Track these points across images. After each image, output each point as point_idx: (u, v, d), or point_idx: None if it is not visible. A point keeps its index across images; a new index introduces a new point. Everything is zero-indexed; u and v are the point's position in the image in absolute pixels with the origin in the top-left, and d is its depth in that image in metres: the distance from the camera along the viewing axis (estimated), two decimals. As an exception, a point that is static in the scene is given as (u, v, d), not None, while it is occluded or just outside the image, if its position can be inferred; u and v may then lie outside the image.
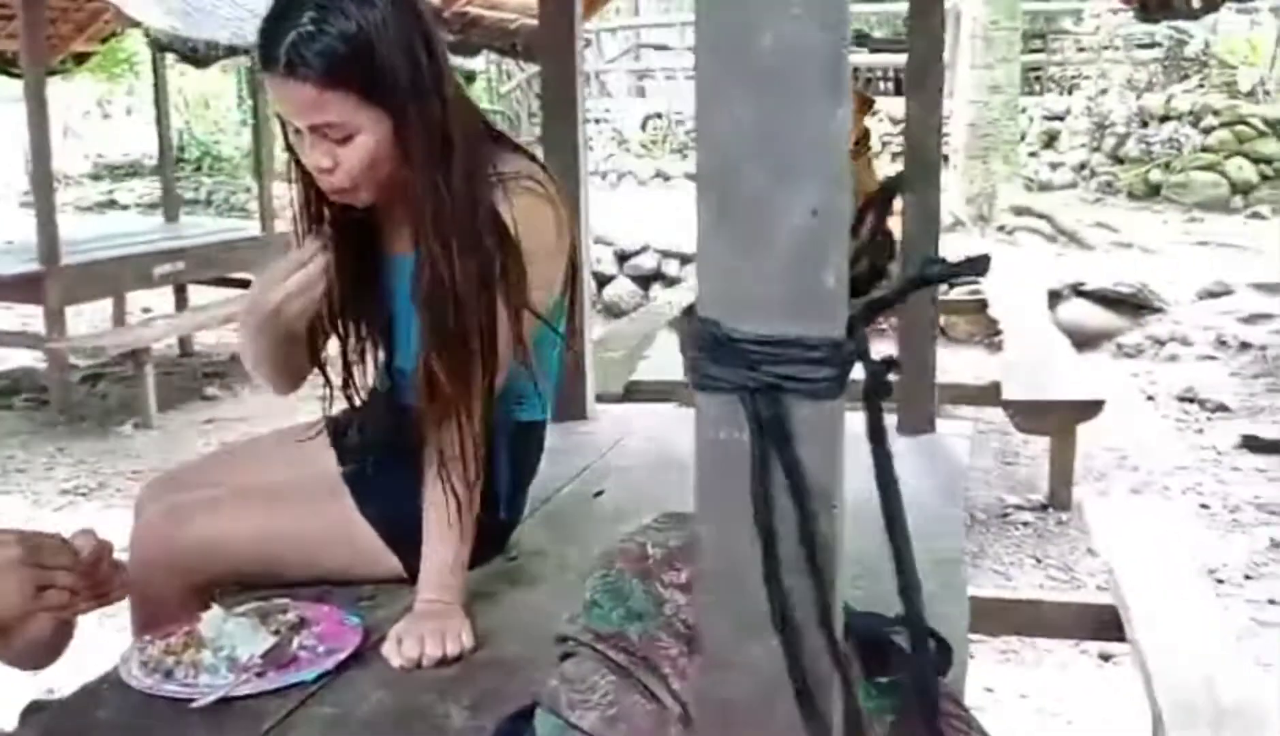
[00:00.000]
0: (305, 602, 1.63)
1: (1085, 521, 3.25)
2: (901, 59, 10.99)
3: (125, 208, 13.09)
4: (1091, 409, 4.24)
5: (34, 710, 1.80)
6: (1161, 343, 6.68)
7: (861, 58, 13.22)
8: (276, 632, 1.52)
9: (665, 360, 5.95)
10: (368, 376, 1.90)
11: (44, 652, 1.52)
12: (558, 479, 2.23)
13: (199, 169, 13.33)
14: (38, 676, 1.55)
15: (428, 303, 1.62)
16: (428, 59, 1.58)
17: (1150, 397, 6.13)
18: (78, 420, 6.10)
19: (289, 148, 1.69)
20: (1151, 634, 2.28)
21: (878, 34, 14.98)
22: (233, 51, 5.68)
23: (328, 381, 1.84)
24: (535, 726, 1.12)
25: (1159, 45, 10.67)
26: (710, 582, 0.77)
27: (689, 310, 0.75)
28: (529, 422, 1.88)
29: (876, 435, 0.75)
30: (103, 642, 1.77)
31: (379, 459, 1.82)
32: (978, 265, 0.78)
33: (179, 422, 6.18)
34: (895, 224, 4.55)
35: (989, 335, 7.00)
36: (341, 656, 1.49)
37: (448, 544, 1.64)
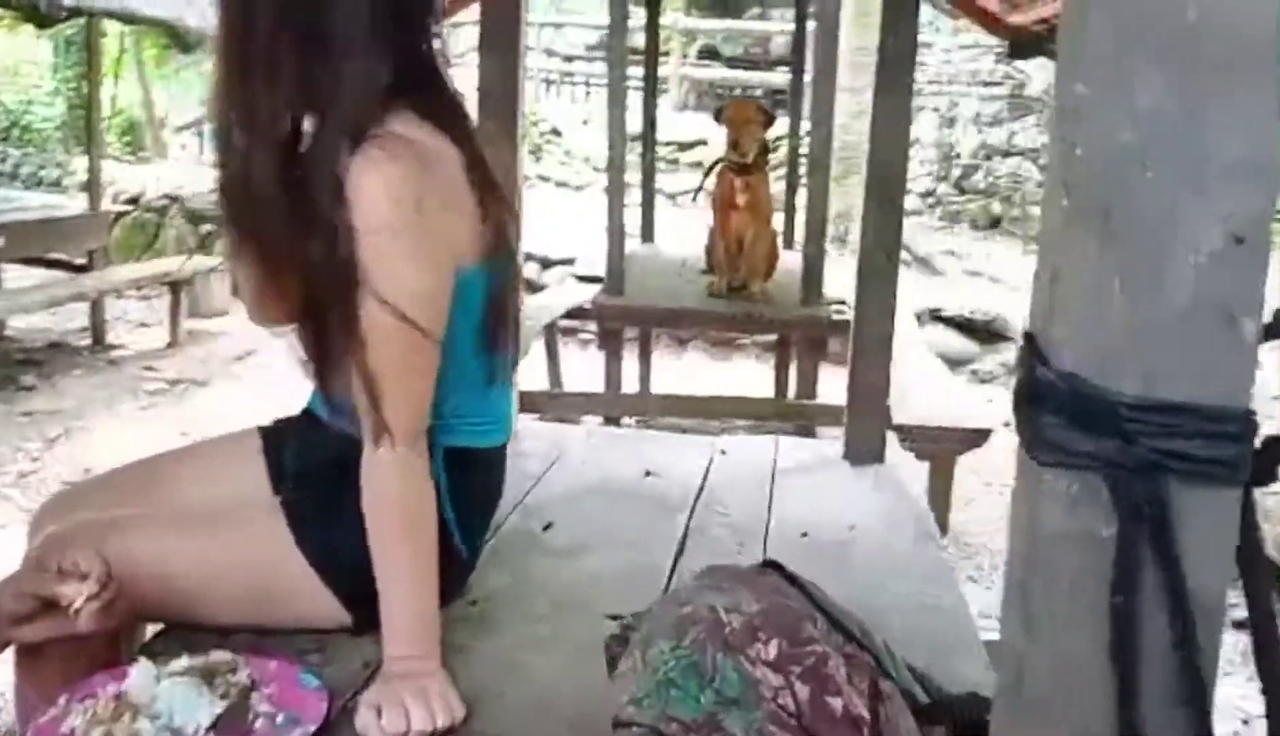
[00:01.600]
0: (248, 656, 1.36)
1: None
2: (752, 76, 11.00)
3: (-89, 176, 11.91)
4: (982, 436, 4.25)
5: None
6: (1014, 370, 6.88)
7: (717, 72, 13.33)
8: (224, 695, 1.26)
9: (535, 371, 5.74)
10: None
11: None
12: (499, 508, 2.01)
13: (5, 139, 12.26)
14: None
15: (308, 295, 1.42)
16: None
17: (1007, 424, 6.28)
18: None
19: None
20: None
21: (726, 51, 15.13)
22: (77, 13, 5.14)
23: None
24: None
25: (1000, 84, 11.10)
26: (1029, 710, 0.59)
27: (1029, 350, 0.57)
28: (466, 449, 1.57)
29: (1251, 536, 0.59)
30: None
31: (318, 483, 1.56)
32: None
33: (-10, 415, 5.57)
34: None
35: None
36: (311, 729, 1.24)
37: (408, 586, 1.40)
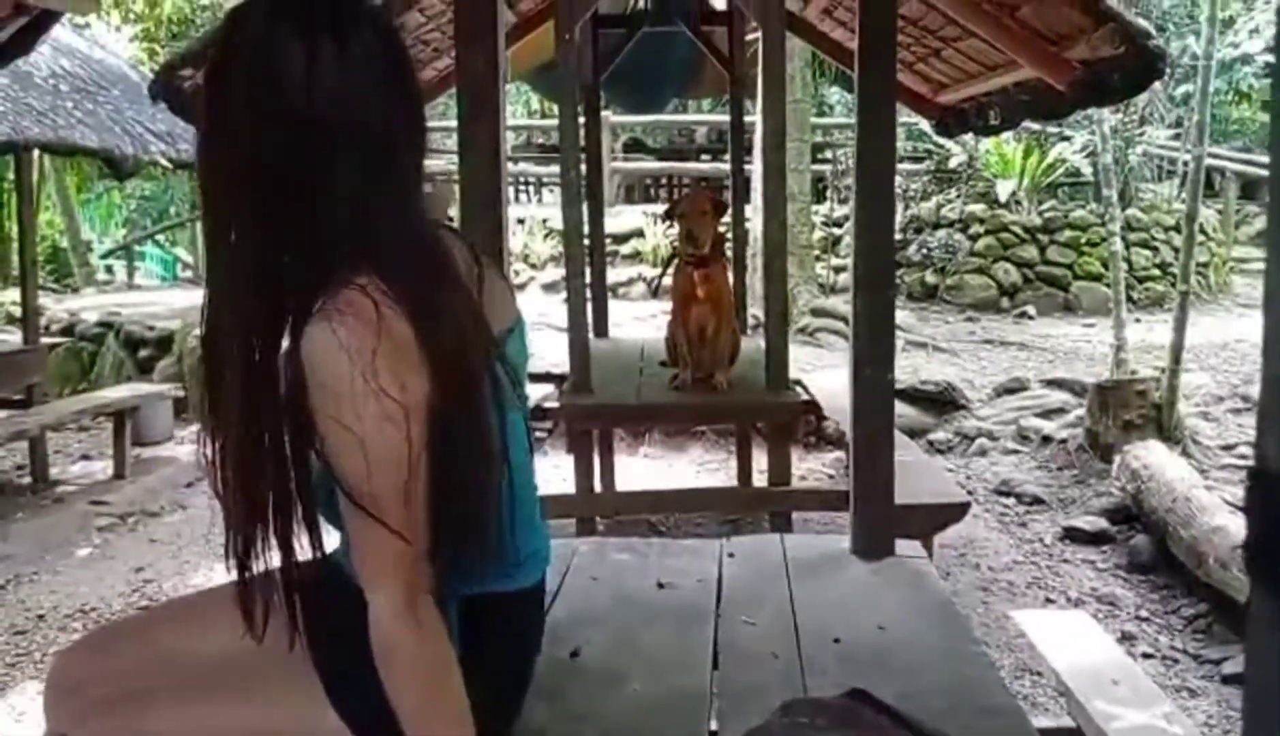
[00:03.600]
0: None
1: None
2: (680, 166, 11.16)
3: None
4: (962, 510, 4.28)
5: None
6: (970, 438, 6.94)
7: (646, 165, 13.52)
8: None
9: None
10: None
11: None
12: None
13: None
14: None
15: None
16: None
17: (970, 492, 6.31)
18: None
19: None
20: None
21: (651, 143, 15.40)
22: (11, 147, 5.05)
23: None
24: None
25: (923, 158, 11.42)
26: None
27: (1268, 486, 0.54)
28: (486, 595, 1.48)
29: None
30: None
31: (351, 636, 1.49)
32: None
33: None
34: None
35: (805, 434, 7.11)
36: None
37: None
